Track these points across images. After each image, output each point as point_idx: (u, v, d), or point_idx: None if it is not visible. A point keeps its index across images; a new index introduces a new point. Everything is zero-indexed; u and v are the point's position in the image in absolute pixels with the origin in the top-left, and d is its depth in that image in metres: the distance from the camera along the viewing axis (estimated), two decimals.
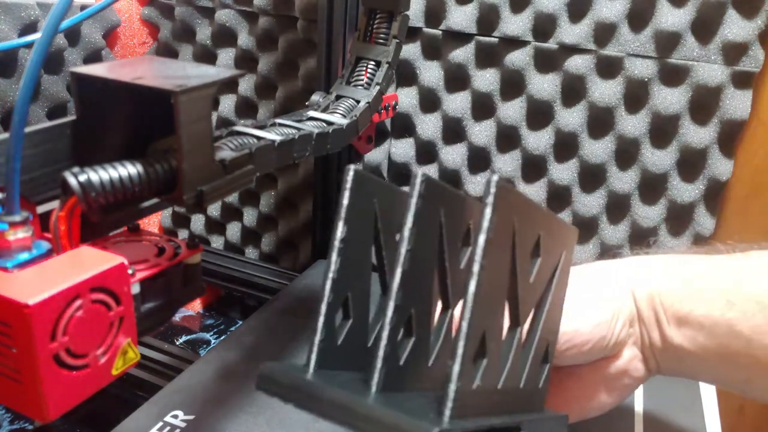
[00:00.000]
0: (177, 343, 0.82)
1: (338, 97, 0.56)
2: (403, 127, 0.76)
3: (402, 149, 0.77)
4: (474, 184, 0.75)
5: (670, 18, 0.62)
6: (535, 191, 0.72)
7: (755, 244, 0.36)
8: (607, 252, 0.70)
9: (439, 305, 0.26)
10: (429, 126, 0.75)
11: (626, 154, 0.68)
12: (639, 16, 0.63)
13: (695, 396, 0.50)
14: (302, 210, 0.83)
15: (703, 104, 0.64)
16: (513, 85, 0.70)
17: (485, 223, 0.20)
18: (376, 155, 0.77)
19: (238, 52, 0.81)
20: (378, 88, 0.56)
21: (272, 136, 0.39)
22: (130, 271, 0.27)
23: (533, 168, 0.72)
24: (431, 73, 0.73)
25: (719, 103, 0.63)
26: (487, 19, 0.68)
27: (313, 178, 0.75)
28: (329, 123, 0.49)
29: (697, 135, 0.64)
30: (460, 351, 0.19)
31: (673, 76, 0.64)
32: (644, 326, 0.35)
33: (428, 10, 0.70)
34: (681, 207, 0.67)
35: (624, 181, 0.68)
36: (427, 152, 0.76)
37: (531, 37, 0.67)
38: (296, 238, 0.85)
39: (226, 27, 0.80)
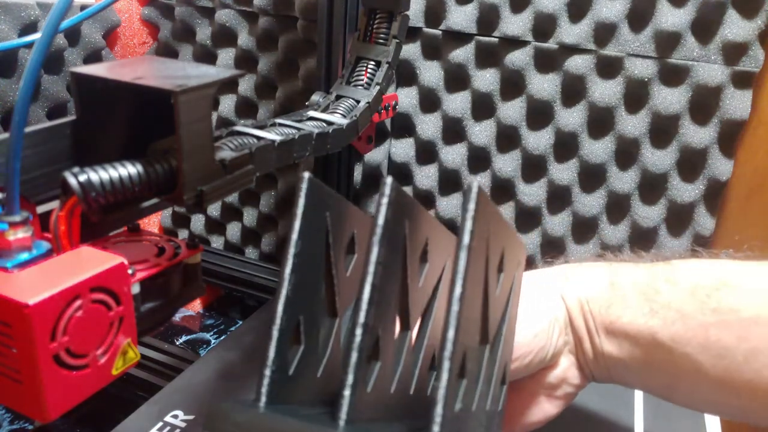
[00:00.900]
0: (177, 343, 0.82)
1: (338, 97, 0.56)
2: (403, 127, 0.76)
3: (402, 149, 0.77)
4: None
5: (670, 18, 0.62)
6: (535, 191, 0.72)
7: (677, 254, 0.36)
8: (607, 251, 0.71)
9: (397, 325, 0.24)
10: (429, 126, 0.75)
11: (626, 154, 0.68)
12: (639, 16, 0.63)
13: None
14: None
15: (703, 104, 0.64)
16: (513, 85, 0.70)
17: (466, 237, 0.19)
18: (376, 155, 0.77)
19: (238, 52, 0.81)
20: (378, 88, 0.56)
21: (272, 136, 0.39)
22: (130, 271, 0.27)
23: (533, 168, 0.72)
24: (431, 73, 0.73)
25: (719, 103, 0.63)
26: (487, 19, 0.68)
27: None
28: (329, 123, 0.49)
29: (697, 135, 0.64)
30: (445, 375, 0.18)
31: (673, 76, 0.64)
32: (576, 334, 0.36)
33: (428, 10, 0.70)
34: (681, 207, 0.67)
35: (624, 181, 0.68)
36: (427, 152, 0.76)
37: (531, 37, 0.67)
38: None
39: (226, 27, 0.80)
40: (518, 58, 0.68)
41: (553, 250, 0.73)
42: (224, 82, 0.31)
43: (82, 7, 0.50)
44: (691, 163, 0.66)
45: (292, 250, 0.21)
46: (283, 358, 0.21)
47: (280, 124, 0.44)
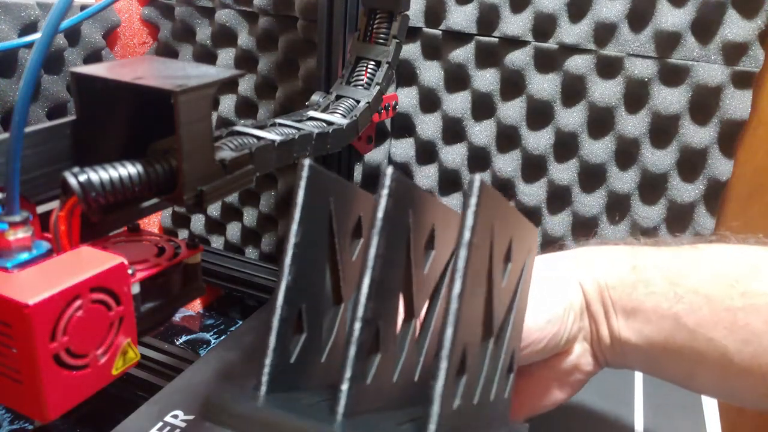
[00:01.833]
0: (177, 343, 0.82)
1: (338, 97, 0.56)
2: (403, 127, 0.76)
3: (402, 149, 0.77)
4: None
5: (670, 18, 0.62)
6: (535, 191, 0.72)
7: (703, 238, 0.36)
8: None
9: (401, 314, 0.24)
10: (429, 126, 0.75)
11: (626, 154, 0.68)
12: (639, 16, 0.63)
13: (695, 396, 0.50)
14: None
15: (703, 104, 0.64)
16: (513, 85, 0.70)
17: (466, 234, 0.19)
18: (376, 155, 0.77)
19: (238, 52, 0.81)
20: (378, 88, 0.56)
21: (272, 136, 0.39)
22: (130, 271, 0.27)
23: (533, 168, 0.72)
24: (431, 73, 0.73)
25: (719, 103, 0.63)
26: (487, 19, 0.68)
27: None
28: (329, 123, 0.49)
29: (697, 135, 0.64)
30: (441, 374, 0.17)
31: (673, 76, 0.64)
32: (593, 320, 0.35)
33: (428, 10, 0.70)
34: (681, 207, 0.67)
35: (624, 181, 0.68)
36: (427, 152, 0.76)
37: (531, 37, 0.67)
38: None
39: (226, 27, 0.80)
40: (518, 58, 0.68)
41: (553, 250, 0.72)
42: (224, 82, 0.31)
43: (82, 7, 0.50)
44: (691, 163, 0.66)
45: (292, 240, 0.21)
46: (284, 347, 0.21)
47: (280, 124, 0.44)
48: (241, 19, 0.80)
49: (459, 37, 0.70)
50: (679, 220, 0.68)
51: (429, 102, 0.74)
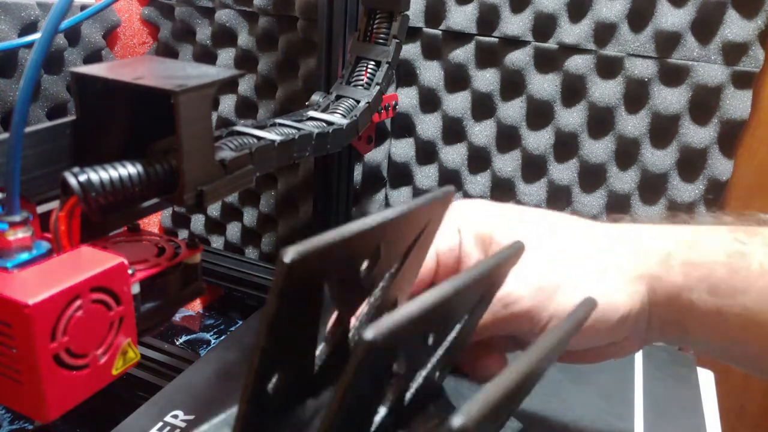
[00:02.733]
0: (177, 343, 0.82)
1: (338, 97, 0.56)
2: (403, 127, 0.76)
3: (402, 149, 0.77)
4: (474, 184, 0.75)
5: (670, 18, 0.62)
6: (535, 191, 0.72)
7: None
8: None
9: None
10: (429, 126, 0.75)
11: (626, 154, 0.68)
12: (639, 16, 0.63)
13: (695, 396, 0.50)
14: (302, 210, 0.83)
15: (703, 104, 0.64)
16: (513, 85, 0.70)
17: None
18: (376, 155, 0.77)
19: (238, 52, 0.81)
20: (378, 88, 0.56)
21: (272, 136, 0.39)
22: (130, 271, 0.27)
23: (533, 168, 0.72)
24: (431, 73, 0.73)
25: (719, 103, 0.63)
26: (487, 19, 0.68)
27: (313, 178, 0.75)
28: (329, 123, 0.49)
29: (697, 135, 0.64)
30: None
31: (673, 76, 0.64)
32: (664, 328, 0.33)
33: (428, 10, 0.70)
34: (681, 207, 0.67)
35: (624, 181, 0.68)
36: (427, 152, 0.76)
37: (531, 37, 0.67)
38: (296, 238, 0.84)
39: (226, 27, 0.80)
40: (518, 58, 0.68)
41: None
42: (224, 82, 0.31)
43: (82, 7, 0.50)
44: (691, 163, 0.66)
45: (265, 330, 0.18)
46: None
47: (280, 124, 0.44)
48: (241, 19, 0.80)
49: (459, 37, 0.70)
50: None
51: (429, 102, 0.74)
